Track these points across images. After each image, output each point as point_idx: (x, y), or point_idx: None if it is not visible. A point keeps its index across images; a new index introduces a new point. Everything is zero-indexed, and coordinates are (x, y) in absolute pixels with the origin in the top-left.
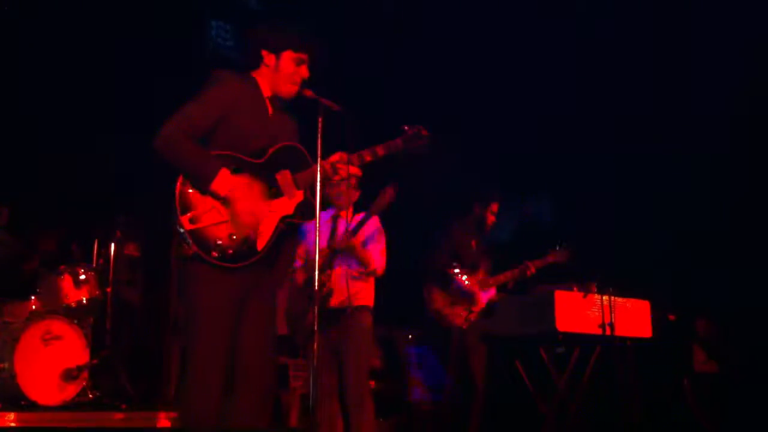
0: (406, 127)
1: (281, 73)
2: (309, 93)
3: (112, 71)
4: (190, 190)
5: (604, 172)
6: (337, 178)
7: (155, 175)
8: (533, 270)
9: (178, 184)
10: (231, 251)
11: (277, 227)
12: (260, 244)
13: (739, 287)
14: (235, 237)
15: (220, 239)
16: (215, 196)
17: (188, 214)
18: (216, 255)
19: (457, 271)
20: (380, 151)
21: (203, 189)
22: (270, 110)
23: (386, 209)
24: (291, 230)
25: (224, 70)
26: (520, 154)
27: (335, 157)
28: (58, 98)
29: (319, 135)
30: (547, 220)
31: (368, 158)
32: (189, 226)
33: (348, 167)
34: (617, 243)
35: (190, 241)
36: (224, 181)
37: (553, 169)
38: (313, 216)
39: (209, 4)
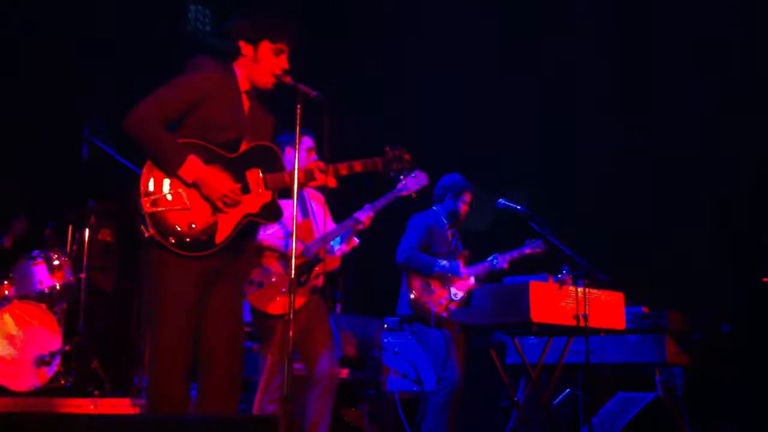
0: (387, 148)
1: (260, 64)
2: (287, 79)
3: (87, 51)
4: (157, 174)
5: (582, 165)
6: (312, 184)
7: (130, 159)
8: (506, 266)
9: (146, 165)
10: (189, 239)
11: (238, 223)
12: (219, 238)
13: (713, 280)
14: (194, 226)
15: (179, 226)
16: (182, 182)
17: (150, 197)
18: (173, 241)
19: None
20: (357, 167)
21: (170, 174)
22: (246, 104)
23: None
24: (253, 227)
25: (203, 57)
26: (500, 145)
27: (311, 166)
28: (33, 78)
29: (297, 122)
30: (523, 212)
31: (343, 172)
32: (149, 209)
33: (324, 178)
34: (593, 235)
35: (149, 224)
36: (192, 167)
37: (531, 161)
38: (278, 218)
39: None
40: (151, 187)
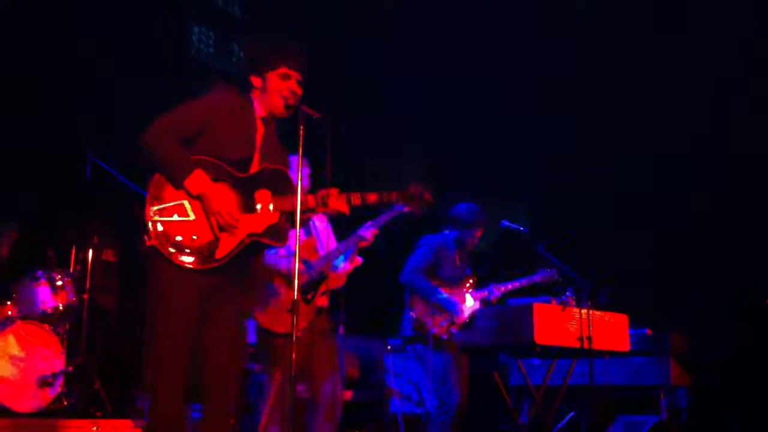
0: (411, 185)
1: (269, 91)
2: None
3: (91, 73)
4: (165, 184)
5: (583, 185)
6: (320, 210)
7: (134, 178)
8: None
9: (156, 174)
10: (188, 251)
11: (241, 241)
12: (220, 253)
13: (716, 303)
14: (195, 238)
15: (180, 236)
16: (188, 194)
17: (157, 206)
18: (172, 251)
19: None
20: (371, 198)
21: (176, 185)
22: (261, 129)
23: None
24: (257, 247)
25: (223, 83)
26: (501, 164)
27: (324, 192)
28: (36, 98)
29: (300, 143)
30: (525, 232)
31: (356, 202)
32: (153, 217)
33: (337, 204)
34: (596, 256)
35: (151, 234)
36: (198, 180)
37: (533, 180)
38: (284, 240)
39: (192, 10)
40: (158, 196)
